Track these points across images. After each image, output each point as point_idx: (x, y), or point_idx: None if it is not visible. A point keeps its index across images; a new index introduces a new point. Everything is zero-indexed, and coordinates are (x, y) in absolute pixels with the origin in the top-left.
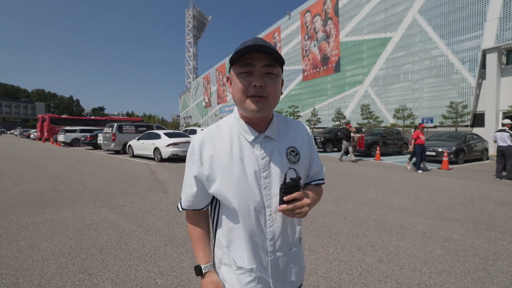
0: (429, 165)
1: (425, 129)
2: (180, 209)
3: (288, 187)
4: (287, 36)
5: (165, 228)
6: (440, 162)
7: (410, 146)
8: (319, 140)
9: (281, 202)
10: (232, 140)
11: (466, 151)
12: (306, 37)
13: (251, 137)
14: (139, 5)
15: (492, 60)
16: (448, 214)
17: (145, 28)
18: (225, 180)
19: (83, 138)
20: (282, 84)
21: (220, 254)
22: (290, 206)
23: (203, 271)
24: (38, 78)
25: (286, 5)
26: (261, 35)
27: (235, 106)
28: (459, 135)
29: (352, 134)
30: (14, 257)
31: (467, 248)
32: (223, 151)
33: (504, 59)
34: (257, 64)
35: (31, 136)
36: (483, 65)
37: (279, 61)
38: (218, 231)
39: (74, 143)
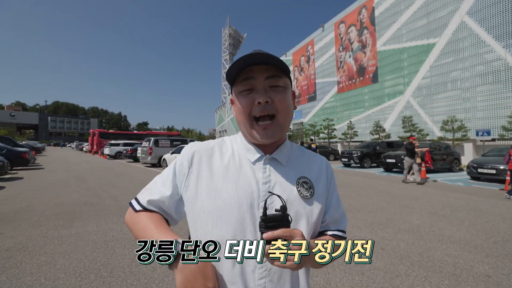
0: (487, 185)
1: (481, 143)
2: (137, 207)
3: (269, 221)
4: (321, 48)
5: None
6: (502, 181)
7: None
8: (355, 155)
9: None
10: (231, 157)
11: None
12: (341, 48)
13: (254, 157)
14: (179, 24)
15: None
16: None
17: (185, 46)
18: (207, 206)
19: (125, 151)
20: (294, 97)
21: None
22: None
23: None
24: (93, 97)
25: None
26: (294, 49)
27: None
28: None
29: (416, 149)
30: (30, 273)
31: None
32: (218, 166)
33: None
34: (258, 77)
35: (84, 149)
36: None
37: (285, 71)
38: None
39: (117, 155)
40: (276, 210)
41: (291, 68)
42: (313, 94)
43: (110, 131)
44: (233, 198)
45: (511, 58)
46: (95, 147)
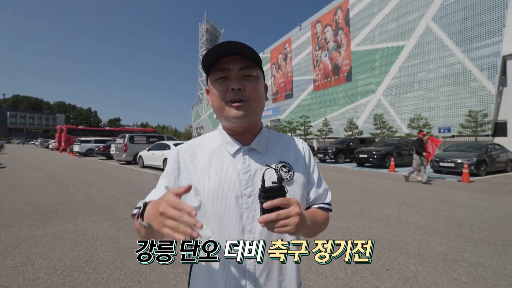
0: (448, 177)
1: (443, 139)
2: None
3: (268, 192)
4: (298, 46)
5: None
6: (459, 174)
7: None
8: (330, 151)
9: (262, 211)
10: (212, 152)
11: (488, 162)
12: (317, 47)
13: (233, 149)
14: (153, 18)
15: None
16: (472, 233)
17: (160, 40)
18: (194, 196)
19: (97, 149)
20: (266, 90)
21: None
22: (273, 215)
23: (147, 203)
24: (59, 91)
25: (297, 17)
26: (272, 46)
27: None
28: (480, 145)
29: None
30: (6, 275)
31: (497, 276)
32: (202, 163)
33: None
34: (232, 67)
35: (50, 146)
36: (503, 72)
37: (257, 63)
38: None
39: (88, 153)
40: (272, 182)
41: (268, 65)
42: (290, 92)
43: (79, 127)
44: (218, 190)
45: (468, 62)
46: (63, 144)
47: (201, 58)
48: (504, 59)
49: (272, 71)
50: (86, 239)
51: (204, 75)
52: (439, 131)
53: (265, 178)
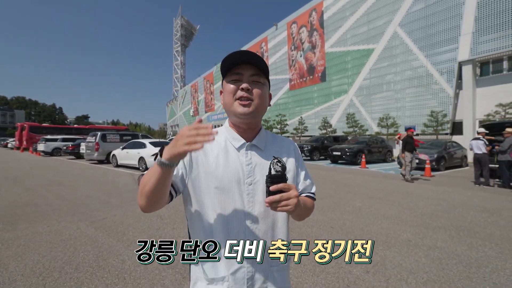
0: (413, 172)
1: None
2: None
3: (273, 178)
4: (274, 46)
5: None
6: (422, 169)
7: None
8: (306, 149)
9: (268, 194)
10: (220, 145)
11: (447, 158)
12: (293, 47)
13: (237, 144)
14: (125, 14)
15: (467, 71)
16: (432, 221)
17: (131, 36)
18: (205, 182)
19: (64, 148)
20: (270, 98)
21: (195, 270)
22: (277, 196)
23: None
24: (18, 85)
25: (273, 16)
26: (248, 45)
27: (228, 117)
28: (440, 143)
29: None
30: None
31: (450, 256)
32: (210, 154)
33: (478, 71)
34: (245, 73)
35: (9, 145)
36: (459, 76)
37: (265, 72)
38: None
39: (55, 152)
40: (276, 171)
41: None
42: None
43: (43, 124)
44: (225, 178)
45: (430, 66)
46: (24, 143)
47: (175, 55)
48: (460, 65)
49: None
50: (63, 240)
51: (179, 72)
52: (405, 130)
53: (271, 167)
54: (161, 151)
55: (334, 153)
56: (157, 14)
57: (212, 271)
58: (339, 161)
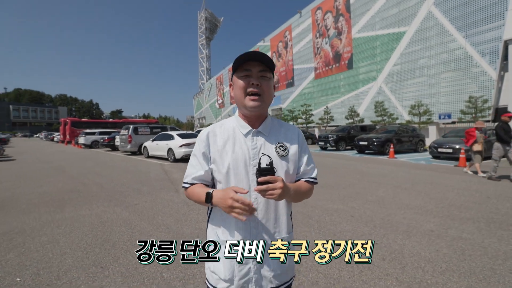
0: (445, 163)
1: (443, 125)
2: (186, 185)
3: (262, 171)
4: (298, 34)
5: (174, 226)
6: (457, 159)
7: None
8: (331, 139)
9: (257, 184)
10: (230, 133)
11: (486, 147)
12: (318, 35)
13: (245, 130)
14: (151, 8)
15: None
16: (460, 212)
17: (159, 31)
18: (220, 164)
19: (101, 140)
20: (275, 88)
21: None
22: (263, 186)
23: (211, 192)
24: (60, 83)
25: (297, 3)
26: (272, 35)
27: (238, 108)
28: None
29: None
30: (36, 251)
31: (475, 247)
32: (222, 140)
33: None
34: (254, 69)
35: (55, 139)
36: (505, 57)
37: (271, 68)
38: (211, 222)
39: (93, 145)
40: (266, 165)
41: (269, 54)
42: (291, 80)
43: (83, 119)
44: (235, 160)
45: (470, 48)
46: (67, 136)
47: (201, 48)
48: (506, 44)
49: (272, 60)
50: (102, 221)
51: (205, 66)
52: (440, 118)
53: (261, 161)
54: (211, 195)
55: (361, 143)
56: (181, 9)
57: (228, 235)
58: (366, 151)
